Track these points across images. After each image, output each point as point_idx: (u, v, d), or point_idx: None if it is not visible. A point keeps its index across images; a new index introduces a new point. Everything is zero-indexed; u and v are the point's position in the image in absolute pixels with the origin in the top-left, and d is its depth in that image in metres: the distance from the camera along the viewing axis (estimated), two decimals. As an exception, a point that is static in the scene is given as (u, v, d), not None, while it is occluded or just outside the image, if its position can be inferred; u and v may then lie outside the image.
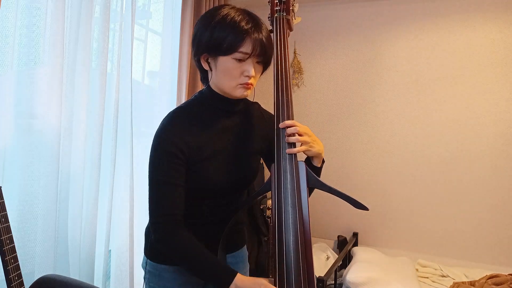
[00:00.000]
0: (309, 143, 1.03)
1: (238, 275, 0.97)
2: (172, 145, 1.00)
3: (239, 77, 1.01)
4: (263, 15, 1.28)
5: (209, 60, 1.04)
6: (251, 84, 1.03)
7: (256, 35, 0.98)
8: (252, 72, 1.00)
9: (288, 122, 1.04)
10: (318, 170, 1.10)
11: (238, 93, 1.03)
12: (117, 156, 1.84)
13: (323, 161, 1.12)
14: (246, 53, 0.98)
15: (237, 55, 0.98)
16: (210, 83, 1.08)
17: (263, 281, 0.97)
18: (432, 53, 2.62)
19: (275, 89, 1.09)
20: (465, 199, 2.55)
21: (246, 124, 1.14)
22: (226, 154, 1.08)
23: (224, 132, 1.09)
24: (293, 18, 1.24)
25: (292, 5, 1.21)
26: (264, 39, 1.00)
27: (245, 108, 1.16)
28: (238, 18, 0.98)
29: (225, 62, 0.99)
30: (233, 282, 0.95)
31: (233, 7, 1.03)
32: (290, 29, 1.22)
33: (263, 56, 1.01)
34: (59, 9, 1.51)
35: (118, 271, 1.91)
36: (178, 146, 1.00)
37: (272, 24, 1.19)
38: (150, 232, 1.14)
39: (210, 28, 0.99)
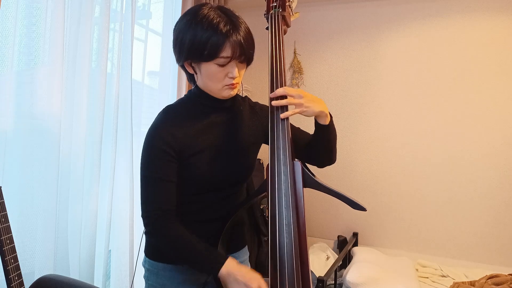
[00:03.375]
0: (302, 104, 1.01)
1: (230, 259, 0.97)
2: (163, 142, 1.02)
3: (223, 79, 1.03)
4: (261, 15, 1.28)
5: (193, 65, 1.05)
6: (237, 83, 1.05)
7: (234, 37, 0.98)
8: (235, 73, 1.02)
9: (278, 91, 1.03)
10: (327, 128, 1.08)
11: (225, 93, 1.06)
12: (117, 156, 1.84)
13: (331, 117, 1.10)
14: (227, 57, 0.98)
15: (219, 60, 0.99)
16: (198, 84, 1.10)
17: (257, 275, 0.97)
18: (433, 53, 2.62)
19: (271, 88, 1.08)
20: (465, 199, 2.55)
21: (236, 119, 1.15)
22: (216, 149, 1.09)
23: (214, 127, 1.10)
24: (291, 14, 1.23)
25: (289, 1, 1.20)
26: (242, 39, 0.99)
27: (235, 104, 1.17)
28: (215, 22, 0.97)
29: (208, 67, 1.01)
30: (224, 266, 0.95)
31: (211, 8, 1.02)
32: (287, 25, 1.21)
33: (244, 55, 1.02)
34: (59, 9, 1.51)
35: (118, 271, 1.91)
36: (169, 142, 1.02)
37: (268, 21, 1.19)
38: None
39: (189, 34, 0.99)
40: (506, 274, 2.11)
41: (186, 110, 1.10)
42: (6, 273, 1.08)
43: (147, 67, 2.30)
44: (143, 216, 1.03)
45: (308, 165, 1.11)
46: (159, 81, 2.35)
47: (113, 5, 1.85)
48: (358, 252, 2.49)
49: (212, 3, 2.57)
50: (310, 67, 2.98)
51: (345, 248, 2.52)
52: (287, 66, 3.04)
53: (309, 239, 2.63)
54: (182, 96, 2.38)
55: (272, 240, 1.00)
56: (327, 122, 1.08)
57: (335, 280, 2.16)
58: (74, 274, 1.67)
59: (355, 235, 2.78)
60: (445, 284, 2.27)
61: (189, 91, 1.14)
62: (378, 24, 2.77)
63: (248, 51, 1.02)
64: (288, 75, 3.03)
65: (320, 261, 2.50)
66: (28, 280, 1.35)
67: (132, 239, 1.93)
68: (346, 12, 2.86)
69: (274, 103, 1.03)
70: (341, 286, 2.20)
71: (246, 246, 1.28)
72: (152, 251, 1.14)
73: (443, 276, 2.37)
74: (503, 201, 2.46)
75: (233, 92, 1.06)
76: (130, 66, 1.90)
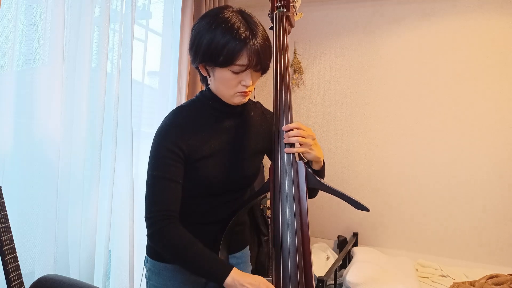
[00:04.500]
0: (310, 145, 1.01)
1: (235, 269, 0.96)
2: (172, 143, 1.01)
3: (236, 86, 1.01)
4: (263, 14, 1.28)
5: (207, 68, 1.04)
6: (249, 91, 1.04)
7: (251, 44, 0.95)
8: (249, 82, 1.00)
9: (291, 125, 1.03)
10: (317, 173, 1.09)
11: (237, 100, 1.05)
12: (117, 156, 1.84)
13: (324, 164, 1.11)
14: (242, 65, 0.97)
15: (234, 68, 0.97)
16: (210, 87, 1.09)
17: (262, 278, 0.96)
18: (433, 53, 2.62)
19: (274, 87, 1.08)
20: (465, 199, 2.55)
21: (246, 124, 1.15)
22: (224, 154, 1.08)
23: (224, 132, 1.10)
24: (295, 14, 1.23)
25: (293, 1, 1.20)
26: (260, 48, 0.96)
27: (246, 109, 1.16)
28: (235, 26, 0.95)
29: (222, 73, 0.99)
30: (229, 275, 0.94)
31: (233, 11, 1.00)
32: (291, 25, 1.20)
33: (260, 65, 0.99)
34: (59, 9, 1.51)
35: (118, 271, 1.91)
36: (178, 144, 1.01)
37: (272, 21, 1.19)
38: None
39: (207, 37, 0.97)
40: (506, 274, 2.11)
41: (197, 113, 1.09)
42: (6, 273, 1.08)
43: (147, 67, 2.30)
44: (146, 217, 1.01)
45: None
46: (159, 81, 2.35)
47: (113, 5, 1.85)
48: (358, 252, 2.49)
49: (213, 3, 2.57)
50: (310, 67, 2.98)
51: (345, 248, 2.52)
52: (287, 66, 3.03)
53: (309, 239, 2.64)
54: (182, 96, 2.40)
55: (275, 240, 1.00)
56: (318, 168, 1.09)
57: (335, 280, 2.16)
58: (74, 274, 1.67)
59: (355, 235, 2.78)
60: (445, 284, 2.27)
61: (201, 92, 1.12)
62: (378, 24, 2.77)
63: (265, 61, 0.99)
64: (288, 75, 3.02)
65: (320, 261, 2.50)
66: (28, 280, 1.35)
67: (132, 239, 1.93)
68: (346, 12, 2.86)
69: (287, 140, 1.02)
70: (341, 286, 2.20)
71: (248, 247, 1.28)
72: (154, 251, 1.14)
73: (443, 276, 2.37)
74: (503, 201, 2.46)
75: (244, 100, 1.05)
76: (130, 66, 1.90)
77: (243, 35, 0.95)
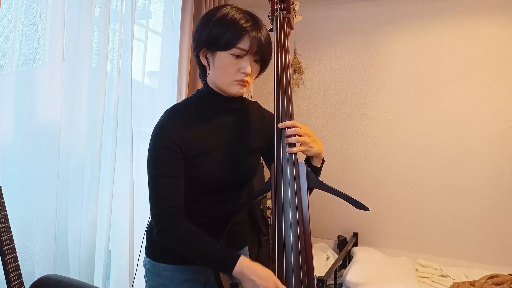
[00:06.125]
0: (308, 143, 1.03)
1: (243, 257, 0.96)
2: (169, 140, 1.01)
3: (235, 74, 1.02)
4: (264, 15, 1.28)
5: (207, 56, 1.05)
6: (247, 82, 1.04)
7: (254, 33, 1.00)
8: (248, 69, 1.01)
9: (288, 123, 1.04)
10: (317, 170, 1.10)
11: (234, 89, 1.05)
12: (117, 156, 1.84)
13: (323, 161, 1.12)
14: (243, 50, 1.00)
15: (235, 51, 1.00)
16: (208, 80, 1.09)
17: (270, 272, 0.95)
18: (432, 53, 2.62)
19: (275, 88, 1.09)
20: (465, 199, 2.55)
21: (243, 122, 1.15)
22: (222, 151, 1.08)
23: (221, 129, 1.10)
24: (294, 17, 1.24)
25: (293, 4, 1.21)
26: (262, 38, 1.01)
27: (243, 107, 1.17)
28: (238, 16, 1.01)
29: (223, 58, 1.01)
30: (237, 265, 0.94)
31: (235, 7, 1.05)
32: (291, 27, 1.22)
33: (260, 54, 1.03)
34: (59, 9, 1.51)
35: (118, 271, 1.91)
36: (175, 140, 1.01)
37: (272, 23, 1.19)
38: (150, 231, 1.14)
39: (210, 25, 1.02)
40: (506, 274, 2.11)
41: (193, 110, 1.09)
42: (6, 273, 1.08)
43: (147, 67, 2.30)
44: (153, 215, 1.01)
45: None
46: (159, 81, 2.35)
47: (113, 5, 1.85)
48: (358, 252, 2.49)
49: (213, 3, 2.57)
50: (310, 67, 2.98)
51: (345, 248, 2.52)
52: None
53: (309, 239, 2.63)
54: (182, 96, 2.40)
55: (277, 239, 1.00)
56: (319, 164, 1.09)
57: (335, 280, 2.16)
58: (74, 274, 1.67)
59: (355, 235, 2.78)
60: (445, 284, 2.27)
61: (198, 91, 1.13)
62: (378, 24, 2.77)
63: (265, 51, 1.03)
64: (288, 75, 3.02)
65: (320, 261, 2.50)
66: (28, 280, 1.35)
67: (132, 239, 1.93)
68: (346, 12, 2.86)
69: (286, 140, 1.03)
70: (341, 286, 2.20)
71: (247, 247, 1.28)
72: (153, 251, 1.14)
73: (443, 276, 2.37)
74: (502, 201, 2.46)
75: (241, 90, 1.05)
76: (130, 66, 1.90)
77: (246, 24, 1.00)
